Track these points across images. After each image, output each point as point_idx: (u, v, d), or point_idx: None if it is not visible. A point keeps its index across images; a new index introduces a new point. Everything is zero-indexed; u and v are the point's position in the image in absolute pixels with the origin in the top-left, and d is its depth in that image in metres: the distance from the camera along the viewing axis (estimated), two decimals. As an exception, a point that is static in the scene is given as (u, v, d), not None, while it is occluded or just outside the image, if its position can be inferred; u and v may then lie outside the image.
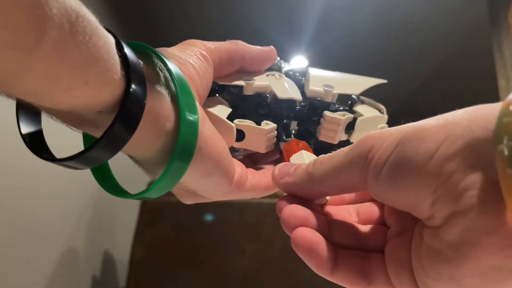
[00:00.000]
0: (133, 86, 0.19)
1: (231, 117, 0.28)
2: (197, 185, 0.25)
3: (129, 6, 1.90)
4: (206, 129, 0.23)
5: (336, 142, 0.31)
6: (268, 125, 0.29)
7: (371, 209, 0.26)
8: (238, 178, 0.27)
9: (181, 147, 0.21)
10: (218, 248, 1.25)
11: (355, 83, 0.34)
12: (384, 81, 0.35)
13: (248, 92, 0.30)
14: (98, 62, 0.17)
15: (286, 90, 0.31)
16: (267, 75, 0.33)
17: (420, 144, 0.19)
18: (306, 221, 0.25)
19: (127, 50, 0.19)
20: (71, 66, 0.16)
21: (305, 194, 0.25)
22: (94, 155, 0.19)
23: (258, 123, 0.29)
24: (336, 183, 0.23)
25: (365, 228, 0.25)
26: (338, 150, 0.23)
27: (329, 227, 0.25)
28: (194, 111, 0.22)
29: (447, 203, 0.18)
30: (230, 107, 0.29)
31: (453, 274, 0.18)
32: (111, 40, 0.19)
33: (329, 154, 0.24)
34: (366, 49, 2.24)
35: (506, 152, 0.15)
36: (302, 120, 0.33)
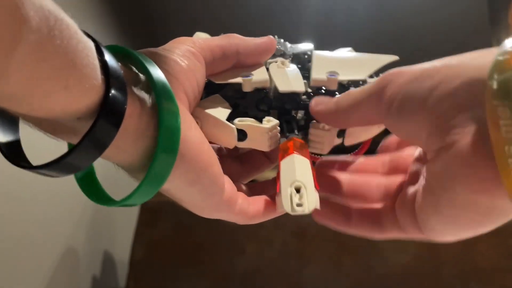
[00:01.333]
0: (113, 91, 0.18)
1: (232, 116, 0.28)
2: (182, 194, 0.25)
3: (129, 4, 1.90)
4: (190, 135, 0.23)
5: (325, 152, 0.31)
6: (270, 123, 0.28)
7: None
8: (227, 198, 0.26)
9: (161, 152, 0.21)
10: (218, 248, 1.25)
11: (363, 65, 0.32)
12: (395, 57, 0.34)
13: (246, 89, 0.29)
14: (77, 66, 0.17)
15: (288, 81, 0.30)
16: (269, 63, 0.32)
17: (425, 81, 0.21)
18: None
19: (106, 54, 0.19)
20: (50, 71, 0.16)
21: (333, 123, 0.28)
22: (72, 162, 0.19)
23: (260, 120, 0.28)
24: (357, 115, 0.25)
25: (384, 181, 0.28)
26: (364, 86, 0.25)
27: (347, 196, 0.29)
28: (175, 115, 0.21)
29: (438, 138, 0.19)
30: (231, 105, 0.28)
31: (436, 204, 0.20)
32: (91, 44, 0.19)
33: (357, 88, 0.26)
34: (365, 50, 2.24)
35: (494, 86, 0.16)
36: (307, 112, 0.31)
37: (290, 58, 0.33)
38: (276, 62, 0.32)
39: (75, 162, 0.19)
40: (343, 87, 0.31)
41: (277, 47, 0.32)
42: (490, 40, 1.54)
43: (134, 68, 0.22)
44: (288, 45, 0.34)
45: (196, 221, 1.31)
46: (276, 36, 0.34)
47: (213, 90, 0.29)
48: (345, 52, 0.33)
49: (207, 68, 0.27)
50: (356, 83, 0.32)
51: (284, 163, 0.25)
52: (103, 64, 0.19)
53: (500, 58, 0.16)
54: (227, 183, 0.26)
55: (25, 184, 1.06)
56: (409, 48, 2.38)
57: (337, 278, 1.21)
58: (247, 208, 0.28)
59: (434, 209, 0.21)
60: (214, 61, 0.27)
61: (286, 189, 0.23)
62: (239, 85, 0.29)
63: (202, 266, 1.24)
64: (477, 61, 0.19)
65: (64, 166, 0.19)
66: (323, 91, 0.30)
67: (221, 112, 0.27)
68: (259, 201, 0.29)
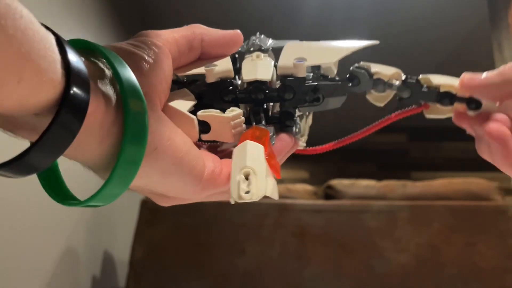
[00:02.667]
0: (73, 86, 0.17)
1: (197, 109, 0.26)
2: (162, 187, 0.24)
3: (126, 4, 1.90)
4: (160, 125, 0.22)
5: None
6: (233, 112, 0.26)
7: None
8: (210, 173, 0.25)
9: (128, 148, 0.20)
10: (218, 248, 1.25)
11: (334, 49, 0.31)
12: (375, 42, 0.33)
13: (210, 79, 0.28)
14: (33, 59, 0.16)
15: (254, 70, 0.29)
16: (246, 57, 0.31)
17: None
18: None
19: (68, 48, 0.18)
20: (2, 62, 0.15)
21: (495, 94, 0.29)
22: (31, 161, 0.17)
23: (224, 111, 0.27)
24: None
25: None
26: None
27: None
28: (141, 108, 0.20)
29: None
30: (196, 98, 0.27)
31: None
32: (50, 37, 0.18)
33: None
34: (364, 50, 2.24)
35: None
36: (279, 102, 0.30)
37: (269, 53, 0.32)
38: (251, 56, 0.31)
39: (34, 162, 0.17)
40: (324, 77, 0.30)
41: (255, 42, 0.32)
42: (490, 40, 1.54)
43: (99, 63, 0.21)
44: (270, 41, 0.33)
45: (196, 221, 1.31)
46: (258, 33, 0.33)
47: (183, 85, 0.29)
48: (324, 41, 0.32)
49: (174, 60, 0.26)
50: (327, 71, 0.31)
51: (237, 150, 0.24)
52: (64, 57, 0.18)
53: None
54: (209, 161, 0.25)
55: (25, 184, 1.06)
56: (409, 48, 2.38)
57: (337, 278, 1.21)
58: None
59: None
60: (179, 52, 0.26)
61: (235, 176, 0.22)
62: (204, 77, 0.28)
63: (202, 266, 1.24)
64: None
65: (21, 166, 0.17)
66: (290, 78, 0.29)
67: (183, 104, 0.26)
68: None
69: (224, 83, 0.28)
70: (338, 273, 1.21)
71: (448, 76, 0.31)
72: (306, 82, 0.29)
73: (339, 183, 1.36)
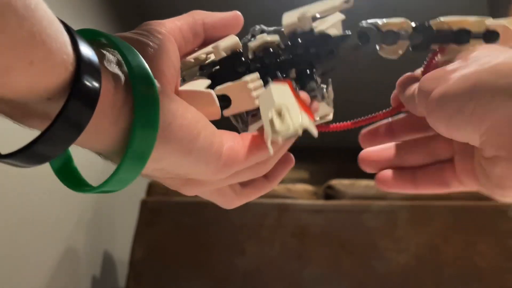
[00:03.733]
0: (84, 67, 0.17)
1: (211, 87, 0.26)
2: (181, 169, 0.23)
3: (125, 3, 1.90)
4: (172, 103, 0.22)
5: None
6: (249, 75, 0.25)
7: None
8: (229, 148, 0.24)
9: (139, 128, 0.19)
10: (218, 248, 1.25)
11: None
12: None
13: (218, 55, 0.27)
14: (45, 39, 0.15)
15: (260, 38, 0.28)
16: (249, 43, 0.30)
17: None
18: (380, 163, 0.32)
19: (74, 32, 0.18)
20: (11, 42, 0.14)
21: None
22: (42, 150, 0.17)
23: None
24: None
25: (433, 143, 0.30)
26: None
27: (403, 156, 0.31)
28: (151, 89, 0.20)
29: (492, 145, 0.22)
30: (209, 78, 0.27)
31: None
32: (57, 20, 0.17)
33: None
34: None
35: None
36: (294, 62, 0.29)
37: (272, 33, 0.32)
38: (255, 37, 0.30)
39: (46, 150, 0.17)
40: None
41: (256, 28, 0.32)
42: (490, 40, 1.54)
43: (106, 49, 0.21)
44: (272, 28, 0.33)
45: (196, 221, 1.31)
46: (262, 25, 0.33)
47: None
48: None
49: (179, 47, 0.25)
50: (329, 12, 0.30)
51: (262, 95, 0.23)
52: (73, 40, 0.17)
53: None
54: (227, 137, 0.25)
55: (25, 184, 1.06)
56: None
57: (337, 278, 1.21)
58: (258, 138, 0.25)
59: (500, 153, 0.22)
60: (185, 39, 0.26)
61: (266, 116, 0.21)
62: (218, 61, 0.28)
63: (202, 266, 1.24)
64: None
65: (33, 155, 0.17)
66: (299, 32, 0.28)
67: (198, 84, 0.25)
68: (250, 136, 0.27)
69: (234, 57, 0.28)
70: (338, 273, 1.21)
71: (459, 16, 0.30)
72: (316, 37, 0.28)
73: (339, 183, 1.36)
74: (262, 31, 0.31)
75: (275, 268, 1.22)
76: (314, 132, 0.21)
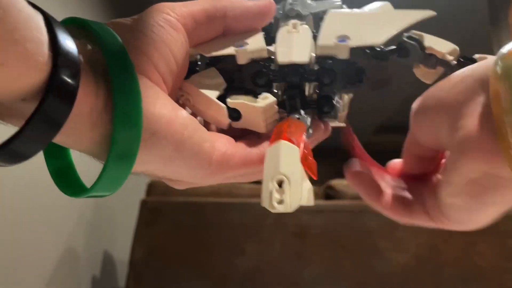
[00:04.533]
0: (61, 70, 0.16)
1: (228, 91, 0.25)
2: (164, 172, 0.23)
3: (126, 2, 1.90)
4: (158, 109, 0.20)
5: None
6: (265, 100, 0.24)
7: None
8: (220, 156, 0.23)
9: (119, 136, 0.18)
10: (218, 248, 1.25)
11: (384, 24, 0.27)
12: (431, 13, 0.28)
13: (242, 60, 0.25)
14: (18, 40, 0.15)
15: (289, 51, 0.25)
16: (281, 26, 0.27)
17: (444, 85, 0.23)
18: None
19: (58, 28, 0.17)
20: None
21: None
22: (17, 149, 0.16)
23: (257, 96, 0.24)
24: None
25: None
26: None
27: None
28: (133, 90, 0.19)
29: (454, 127, 0.21)
30: (226, 80, 0.25)
31: (448, 184, 0.22)
32: (37, 16, 0.16)
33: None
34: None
35: (498, 71, 0.19)
36: (317, 86, 0.27)
37: (308, 19, 0.28)
38: (288, 25, 0.27)
39: (20, 150, 0.16)
40: (370, 52, 0.26)
41: (292, 6, 0.28)
42: (490, 40, 1.54)
43: (91, 44, 0.20)
44: (309, 2, 0.29)
45: (196, 221, 1.31)
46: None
47: (211, 63, 0.26)
48: (372, 8, 0.28)
49: (191, 36, 0.23)
50: (373, 50, 0.27)
51: (270, 152, 0.21)
52: (52, 39, 0.16)
53: (504, 51, 0.19)
54: (220, 142, 0.23)
55: (25, 184, 1.06)
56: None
57: (337, 278, 1.21)
58: (250, 152, 0.24)
59: (447, 191, 0.23)
60: (197, 28, 0.24)
61: (267, 183, 0.20)
62: (233, 58, 0.25)
63: (202, 266, 1.24)
64: (484, 63, 0.21)
65: (8, 153, 0.16)
66: (330, 61, 0.25)
67: (213, 89, 0.24)
68: (265, 142, 0.25)
69: (256, 65, 0.25)
70: (338, 273, 1.21)
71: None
72: (349, 63, 0.26)
73: (339, 183, 1.36)
74: (298, 14, 0.28)
75: (275, 268, 1.22)
76: (311, 203, 0.22)
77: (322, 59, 0.26)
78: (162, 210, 1.31)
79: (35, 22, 0.16)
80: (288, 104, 0.25)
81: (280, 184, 0.20)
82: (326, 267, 1.21)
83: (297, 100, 0.26)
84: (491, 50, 1.53)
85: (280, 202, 0.20)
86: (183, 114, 0.22)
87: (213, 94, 0.24)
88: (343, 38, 0.25)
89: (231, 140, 0.24)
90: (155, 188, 1.36)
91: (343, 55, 0.25)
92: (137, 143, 0.19)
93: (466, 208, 0.22)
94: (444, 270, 1.20)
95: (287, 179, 0.20)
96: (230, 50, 0.25)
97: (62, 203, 1.25)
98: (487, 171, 0.19)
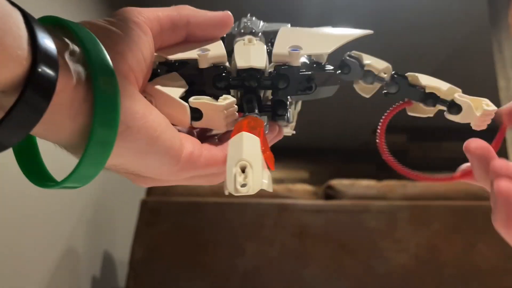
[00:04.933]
0: (41, 63, 0.17)
1: (189, 95, 0.26)
2: (137, 167, 0.23)
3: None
4: (133, 104, 0.21)
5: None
6: (226, 100, 0.26)
7: None
8: (188, 154, 0.24)
9: (99, 128, 0.19)
10: (218, 248, 1.25)
11: (330, 39, 0.30)
12: (369, 32, 0.32)
13: (203, 64, 0.27)
14: None
15: (247, 57, 0.28)
16: (237, 41, 0.30)
17: None
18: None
19: (35, 24, 0.18)
20: None
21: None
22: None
23: (217, 99, 0.26)
24: None
25: None
26: None
27: None
28: (112, 86, 0.20)
29: None
30: (187, 83, 0.27)
31: None
32: (15, 13, 0.17)
33: None
34: (364, 50, 2.24)
35: None
36: (272, 90, 0.29)
37: (261, 37, 0.31)
38: (244, 39, 0.30)
39: (1, 139, 0.17)
40: (318, 65, 0.30)
41: (247, 24, 0.31)
42: (490, 40, 1.54)
43: (69, 40, 0.20)
44: (261, 23, 0.32)
45: (196, 221, 1.31)
46: (249, 14, 0.32)
47: (174, 68, 0.28)
48: (318, 28, 0.32)
49: (155, 39, 0.25)
50: (319, 58, 0.30)
51: (232, 141, 0.23)
52: (31, 34, 0.17)
53: None
54: (188, 142, 0.25)
55: (25, 184, 1.05)
56: (410, 48, 2.38)
57: (337, 278, 1.21)
58: (216, 155, 0.26)
59: None
60: (162, 32, 0.25)
61: (231, 168, 0.22)
62: (196, 61, 0.27)
63: (202, 266, 1.24)
64: None
65: None
66: (286, 67, 0.28)
67: (175, 90, 0.26)
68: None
69: (217, 69, 0.28)
70: (338, 273, 1.21)
71: (435, 79, 0.31)
72: (300, 71, 0.29)
73: (339, 183, 1.36)
74: (251, 31, 0.31)
75: (275, 268, 1.22)
76: (271, 190, 0.23)
77: (277, 66, 0.28)
78: (162, 210, 1.31)
79: (13, 18, 0.17)
80: (246, 107, 0.28)
81: (243, 170, 0.22)
82: (326, 267, 1.21)
83: (254, 102, 0.28)
84: (491, 50, 1.53)
85: (243, 185, 0.21)
86: (156, 111, 0.23)
87: (175, 94, 0.25)
88: (295, 48, 0.28)
89: (197, 141, 0.26)
90: (155, 188, 1.36)
91: (296, 62, 0.28)
92: (114, 134, 0.20)
93: None
94: (444, 270, 1.20)
95: (249, 164, 0.22)
96: (192, 55, 0.27)
97: (62, 203, 1.26)
98: None
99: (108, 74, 0.20)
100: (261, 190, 0.22)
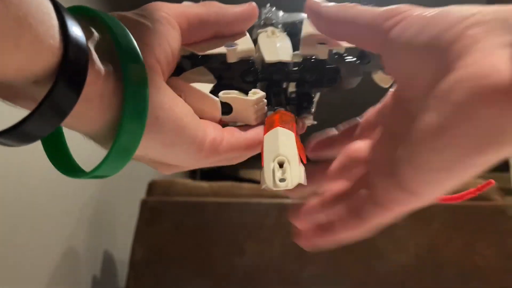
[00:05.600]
0: (72, 53, 0.17)
1: (217, 89, 0.26)
2: (164, 156, 0.24)
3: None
4: (161, 95, 0.22)
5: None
6: (256, 95, 0.26)
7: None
8: (211, 141, 0.24)
9: (128, 120, 0.19)
10: (218, 248, 1.25)
11: None
12: None
13: (231, 59, 0.27)
14: (31, 23, 0.15)
15: (275, 51, 0.28)
16: (259, 33, 0.30)
17: (452, 13, 0.20)
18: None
19: (66, 14, 0.18)
20: None
21: (323, 27, 0.27)
22: (29, 130, 0.17)
23: (247, 93, 0.26)
24: (355, 30, 0.25)
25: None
26: (371, 8, 0.25)
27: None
28: (143, 81, 0.20)
29: (448, 64, 0.19)
30: (215, 78, 0.27)
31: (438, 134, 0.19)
32: (46, 2, 0.17)
33: (364, 6, 0.25)
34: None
35: None
36: (298, 83, 0.30)
37: (281, 28, 0.32)
38: (266, 31, 0.30)
39: (32, 130, 0.17)
40: (340, 57, 0.30)
41: (268, 15, 0.32)
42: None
43: (99, 31, 0.20)
44: (281, 13, 0.33)
45: (196, 221, 1.31)
46: (268, 5, 0.32)
47: (199, 62, 0.28)
48: None
49: (183, 36, 0.25)
50: (351, 51, 0.30)
51: (268, 137, 0.24)
52: (62, 24, 0.17)
53: None
54: (210, 128, 0.25)
55: (25, 184, 1.06)
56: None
57: (337, 278, 1.21)
58: (239, 138, 0.26)
59: (434, 142, 0.19)
60: (190, 29, 0.25)
61: (268, 164, 0.22)
62: (224, 56, 0.27)
63: (202, 266, 1.24)
64: (505, 8, 0.19)
65: (20, 134, 0.17)
66: (312, 60, 0.29)
67: (205, 85, 0.26)
68: (252, 129, 0.27)
69: (245, 63, 0.28)
70: (338, 273, 1.21)
71: None
72: (327, 64, 0.29)
73: (339, 183, 1.36)
74: (272, 23, 0.31)
75: (275, 268, 1.22)
76: (305, 183, 0.23)
77: (304, 59, 0.29)
78: (162, 210, 1.31)
79: (46, 7, 0.17)
80: (274, 100, 0.28)
81: (281, 164, 0.22)
82: (326, 267, 1.21)
83: (282, 95, 0.28)
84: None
85: (282, 180, 0.21)
86: (182, 102, 0.23)
87: (206, 89, 0.25)
88: (322, 41, 0.29)
89: (218, 126, 0.26)
90: (155, 188, 1.36)
91: (323, 55, 0.28)
92: (142, 125, 0.20)
93: (442, 168, 0.19)
94: (444, 270, 1.20)
95: (286, 159, 0.22)
96: (221, 49, 0.27)
97: (62, 203, 1.26)
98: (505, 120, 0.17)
99: (138, 62, 0.20)
100: (296, 185, 0.22)
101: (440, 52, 0.19)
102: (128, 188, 1.89)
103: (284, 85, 0.30)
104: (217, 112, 0.26)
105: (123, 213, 1.80)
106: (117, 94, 0.20)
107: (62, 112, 0.18)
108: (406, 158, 0.21)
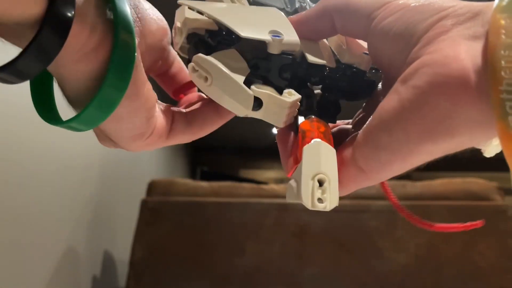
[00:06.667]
0: (58, 4, 0.18)
1: (249, 79, 0.24)
2: (107, 128, 0.24)
3: None
4: (142, 72, 0.22)
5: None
6: (292, 96, 0.24)
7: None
8: (160, 128, 0.25)
9: (116, 69, 0.21)
10: (218, 248, 1.26)
11: None
12: None
13: (274, 50, 0.24)
14: None
15: (319, 52, 0.26)
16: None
17: (432, 4, 0.20)
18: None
19: None
20: None
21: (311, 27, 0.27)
22: (21, 67, 0.19)
23: (280, 90, 0.24)
24: (346, 22, 0.25)
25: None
26: None
27: None
28: (131, 43, 0.21)
29: (421, 49, 0.19)
30: (249, 66, 0.24)
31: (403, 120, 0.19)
32: None
33: None
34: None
35: (504, 2, 0.17)
36: (328, 87, 0.27)
37: None
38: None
39: (24, 68, 0.19)
40: (377, 70, 0.28)
41: (303, 5, 0.30)
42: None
43: None
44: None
45: (196, 221, 1.31)
46: None
47: (224, 40, 0.25)
48: None
49: None
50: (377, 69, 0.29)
51: (308, 149, 0.21)
52: None
53: None
54: (160, 119, 0.25)
55: (25, 184, 1.06)
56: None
57: (337, 278, 1.21)
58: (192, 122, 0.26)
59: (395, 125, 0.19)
60: None
61: (307, 180, 0.20)
62: (262, 43, 0.24)
63: (202, 266, 1.24)
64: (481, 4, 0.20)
65: (15, 70, 0.19)
66: (354, 69, 0.27)
67: (238, 73, 0.23)
68: (201, 112, 0.27)
69: (286, 59, 0.25)
70: (338, 273, 1.21)
71: None
72: (365, 76, 0.27)
73: (339, 183, 1.36)
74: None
75: (275, 268, 1.22)
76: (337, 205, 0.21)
77: (346, 67, 0.27)
78: (162, 210, 1.31)
79: None
80: (305, 102, 0.25)
81: (320, 183, 0.20)
82: (326, 267, 1.22)
83: (313, 98, 0.26)
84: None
85: (320, 200, 0.20)
86: (150, 86, 0.24)
87: (239, 79, 0.23)
88: (366, 52, 0.27)
89: (166, 119, 0.26)
90: (155, 188, 1.36)
91: (365, 66, 0.27)
92: (126, 84, 0.21)
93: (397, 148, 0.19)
94: (444, 270, 1.20)
95: (328, 178, 0.20)
96: (266, 37, 0.24)
97: (62, 203, 1.26)
98: (459, 107, 0.17)
99: (128, 31, 0.21)
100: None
101: (414, 40, 0.20)
102: (128, 188, 1.89)
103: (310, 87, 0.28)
104: (247, 106, 0.23)
105: (123, 213, 1.80)
106: (100, 51, 0.21)
107: (48, 55, 0.19)
108: (362, 134, 0.21)
